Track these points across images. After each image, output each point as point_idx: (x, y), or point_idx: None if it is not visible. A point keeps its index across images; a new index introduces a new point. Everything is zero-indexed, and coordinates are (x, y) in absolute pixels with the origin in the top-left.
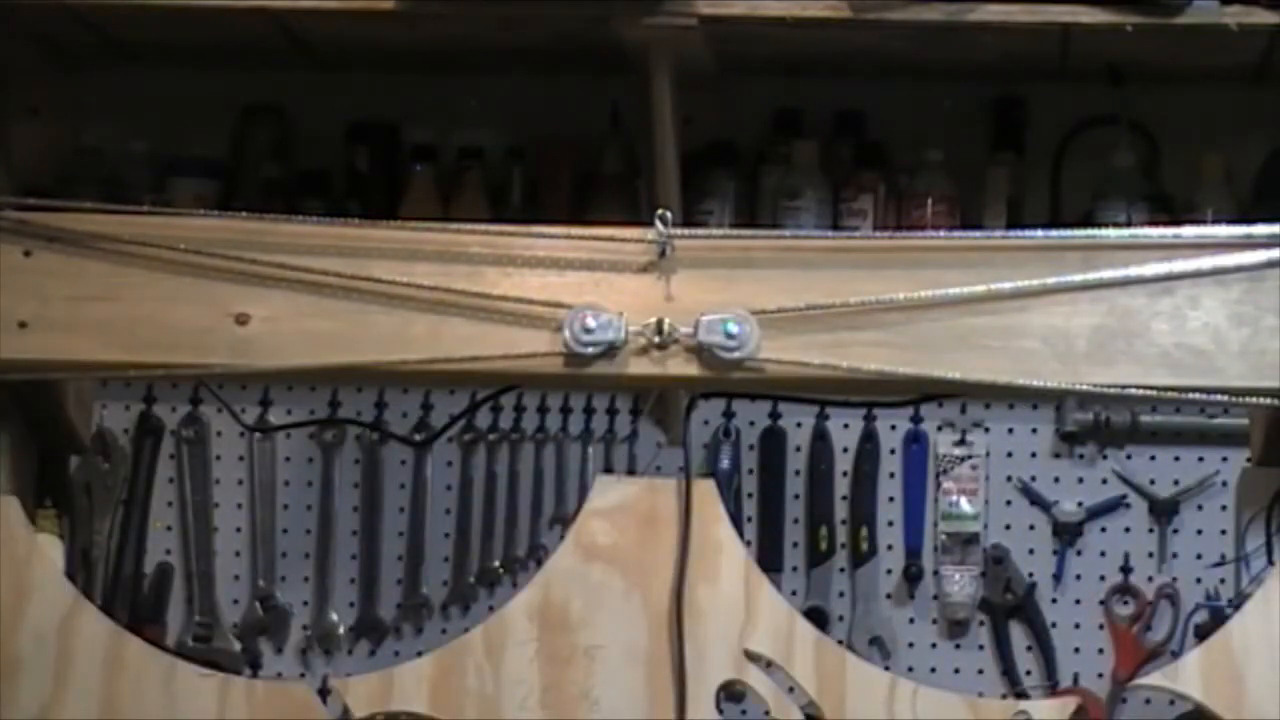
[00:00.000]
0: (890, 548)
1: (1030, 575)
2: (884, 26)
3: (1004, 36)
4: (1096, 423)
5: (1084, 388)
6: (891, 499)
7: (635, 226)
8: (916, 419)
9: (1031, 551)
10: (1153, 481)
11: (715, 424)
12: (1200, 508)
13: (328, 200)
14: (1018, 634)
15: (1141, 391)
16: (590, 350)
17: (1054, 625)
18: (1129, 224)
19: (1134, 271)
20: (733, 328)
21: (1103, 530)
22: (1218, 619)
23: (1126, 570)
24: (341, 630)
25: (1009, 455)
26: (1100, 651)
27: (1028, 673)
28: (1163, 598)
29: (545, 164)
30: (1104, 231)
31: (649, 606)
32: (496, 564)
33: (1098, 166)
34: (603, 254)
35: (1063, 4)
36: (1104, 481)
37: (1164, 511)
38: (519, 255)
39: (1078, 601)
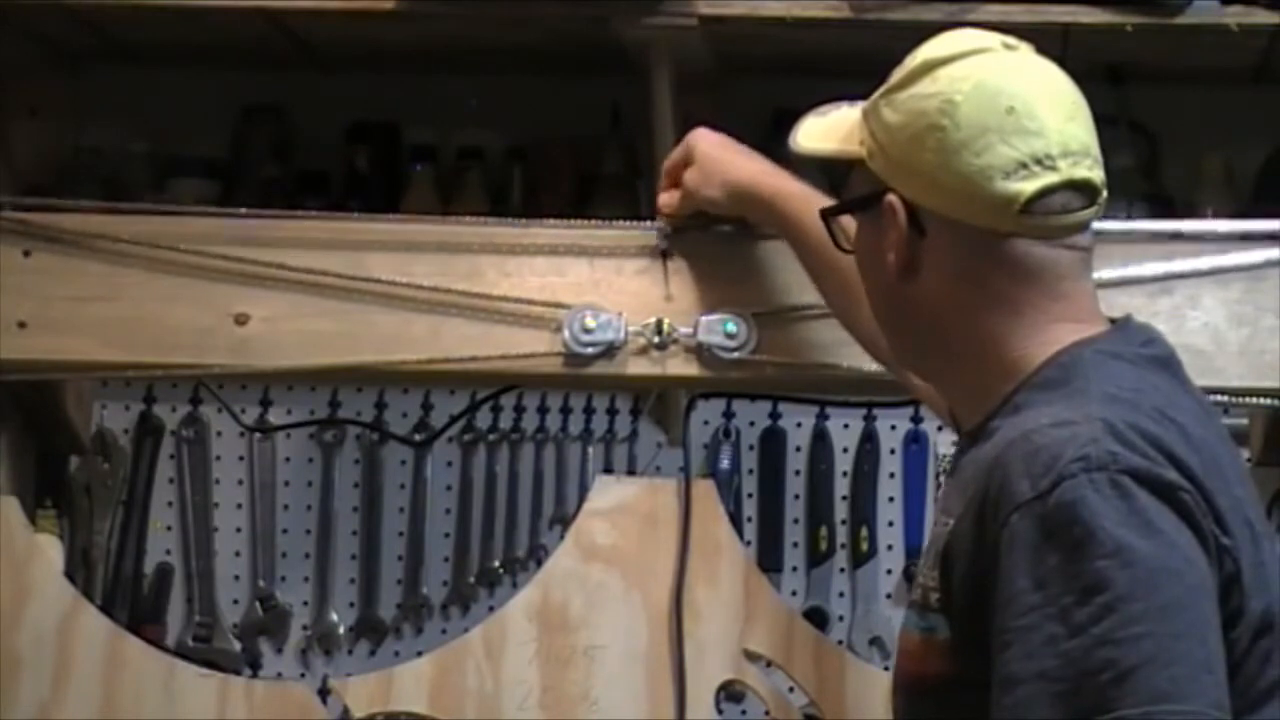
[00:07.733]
0: (890, 548)
1: None
2: (884, 26)
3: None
4: None
5: None
6: (891, 499)
7: (635, 226)
8: (916, 419)
9: None
10: None
11: (715, 424)
12: None
13: (328, 200)
14: None
15: None
16: (590, 350)
17: None
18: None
19: (1133, 271)
20: (732, 327)
21: None
22: None
23: None
24: (341, 630)
25: None
26: None
27: None
28: None
29: (545, 164)
30: (1103, 228)
31: (649, 606)
32: (496, 564)
33: None
34: (602, 254)
35: (1063, 4)
36: None
37: None
38: (519, 255)
39: None
